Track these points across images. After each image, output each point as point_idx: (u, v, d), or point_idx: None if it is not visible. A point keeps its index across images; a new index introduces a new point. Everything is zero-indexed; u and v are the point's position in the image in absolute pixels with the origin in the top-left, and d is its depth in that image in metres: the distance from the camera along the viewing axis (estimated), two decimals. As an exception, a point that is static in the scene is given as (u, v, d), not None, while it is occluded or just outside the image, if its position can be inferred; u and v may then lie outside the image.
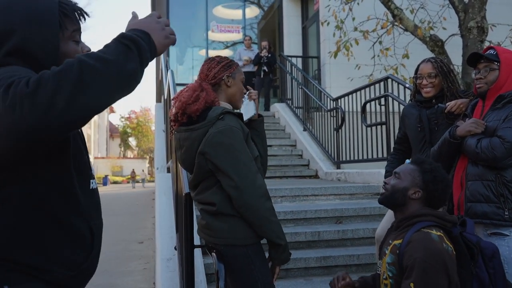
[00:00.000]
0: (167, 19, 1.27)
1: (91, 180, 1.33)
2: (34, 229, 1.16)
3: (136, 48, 1.11)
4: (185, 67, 13.40)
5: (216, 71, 2.24)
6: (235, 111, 2.18)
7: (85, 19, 1.31)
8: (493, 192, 2.36)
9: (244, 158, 2.00)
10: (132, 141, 56.86)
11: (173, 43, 1.25)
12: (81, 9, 1.30)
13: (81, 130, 1.34)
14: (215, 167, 2.01)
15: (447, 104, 2.75)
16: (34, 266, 1.15)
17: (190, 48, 13.43)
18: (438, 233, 1.90)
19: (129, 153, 60.27)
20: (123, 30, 1.19)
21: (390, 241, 2.04)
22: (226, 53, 13.24)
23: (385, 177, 2.99)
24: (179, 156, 2.22)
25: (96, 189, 1.37)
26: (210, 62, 2.29)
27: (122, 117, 58.84)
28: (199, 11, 13.04)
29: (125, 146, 58.36)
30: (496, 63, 2.48)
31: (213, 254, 2.13)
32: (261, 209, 1.99)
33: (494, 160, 2.33)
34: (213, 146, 2.00)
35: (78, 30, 1.29)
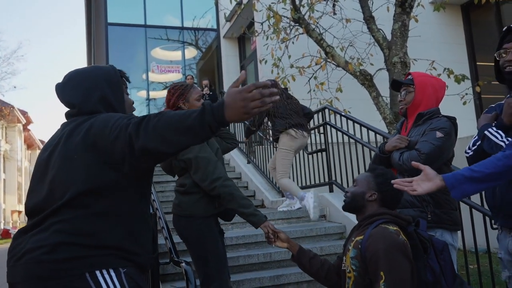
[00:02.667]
0: (265, 90, 1.39)
1: None
2: (135, 227, 1.73)
3: (201, 111, 1.44)
4: (125, 108, 13.44)
5: (173, 100, 2.87)
6: None
7: (128, 81, 1.99)
8: (417, 198, 2.71)
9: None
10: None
11: (251, 115, 1.42)
12: (124, 74, 1.96)
13: None
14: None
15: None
16: (131, 251, 1.69)
17: (129, 90, 13.54)
18: (395, 228, 2.16)
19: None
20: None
21: (352, 238, 2.28)
22: (165, 93, 13.49)
23: None
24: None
25: None
26: (168, 93, 2.93)
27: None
28: (139, 54, 13.28)
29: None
30: (412, 86, 2.92)
31: (182, 265, 2.36)
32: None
33: (414, 170, 2.71)
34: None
35: (126, 87, 1.97)
